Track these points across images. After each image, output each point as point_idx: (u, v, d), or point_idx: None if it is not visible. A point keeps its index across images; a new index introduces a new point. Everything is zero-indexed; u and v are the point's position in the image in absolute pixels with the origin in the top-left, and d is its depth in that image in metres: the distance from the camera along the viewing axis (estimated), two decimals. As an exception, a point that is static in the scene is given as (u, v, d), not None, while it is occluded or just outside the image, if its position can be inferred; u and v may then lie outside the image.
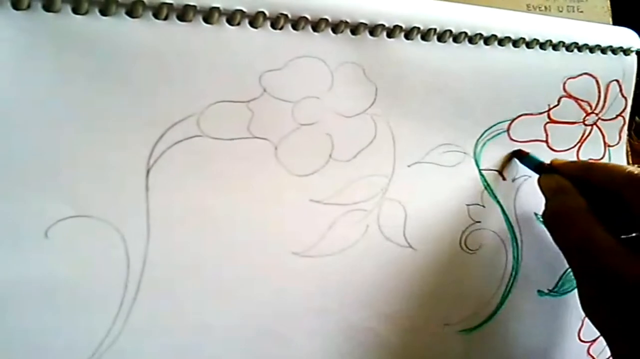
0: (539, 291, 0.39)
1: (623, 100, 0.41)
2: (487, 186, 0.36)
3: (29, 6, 0.23)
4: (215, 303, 0.29)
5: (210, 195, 0.28)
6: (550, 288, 0.39)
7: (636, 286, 0.28)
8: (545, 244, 0.36)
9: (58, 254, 0.25)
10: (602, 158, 0.42)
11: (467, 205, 0.36)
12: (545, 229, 0.35)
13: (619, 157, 0.43)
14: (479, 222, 0.36)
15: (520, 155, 0.37)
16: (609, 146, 0.42)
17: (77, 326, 0.26)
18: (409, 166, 0.33)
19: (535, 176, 0.37)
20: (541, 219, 0.38)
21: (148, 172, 0.27)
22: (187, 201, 0.28)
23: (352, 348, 0.32)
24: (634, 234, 0.32)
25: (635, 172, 0.31)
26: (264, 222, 0.30)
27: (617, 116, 0.42)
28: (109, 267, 0.26)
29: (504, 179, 0.37)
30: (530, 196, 0.38)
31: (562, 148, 0.39)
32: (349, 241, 0.32)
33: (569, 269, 0.39)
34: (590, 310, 0.31)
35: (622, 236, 0.31)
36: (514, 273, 0.38)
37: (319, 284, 0.31)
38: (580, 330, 0.41)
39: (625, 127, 0.42)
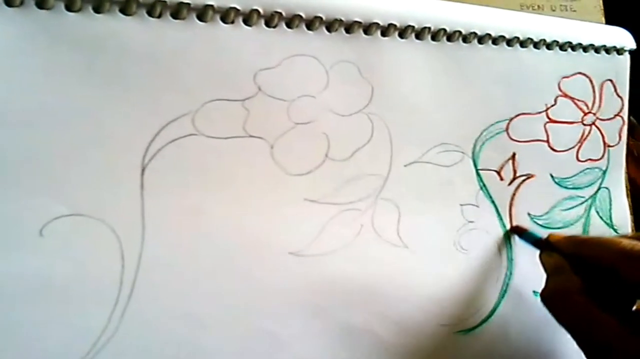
0: (534, 291, 0.38)
1: (619, 100, 0.41)
2: (483, 186, 0.36)
3: (21, 3, 0.23)
4: (210, 302, 0.29)
5: (205, 194, 0.28)
6: (545, 288, 0.39)
7: None
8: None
9: (53, 253, 0.25)
10: (601, 158, 0.41)
11: (461, 205, 0.36)
12: (539, 229, 0.35)
13: (618, 157, 0.43)
14: (472, 222, 0.36)
15: (519, 231, 0.38)
16: (609, 146, 0.42)
17: (73, 324, 0.26)
18: (405, 166, 0.33)
19: (535, 178, 0.38)
20: (535, 220, 0.38)
21: (143, 170, 0.27)
22: (182, 199, 0.28)
23: (347, 348, 0.32)
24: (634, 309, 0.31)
25: (629, 247, 0.30)
26: (259, 221, 0.30)
27: (615, 115, 0.41)
28: (104, 265, 0.26)
29: (501, 179, 0.37)
30: (526, 197, 0.38)
31: (562, 148, 0.39)
32: (343, 240, 0.32)
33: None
34: None
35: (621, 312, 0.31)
36: (508, 273, 0.38)
37: (314, 283, 0.31)
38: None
39: (625, 127, 0.42)
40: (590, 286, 0.31)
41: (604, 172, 0.42)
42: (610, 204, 0.43)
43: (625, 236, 0.33)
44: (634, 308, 0.31)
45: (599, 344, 0.29)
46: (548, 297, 0.33)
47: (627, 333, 0.28)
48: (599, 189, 0.42)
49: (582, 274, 0.32)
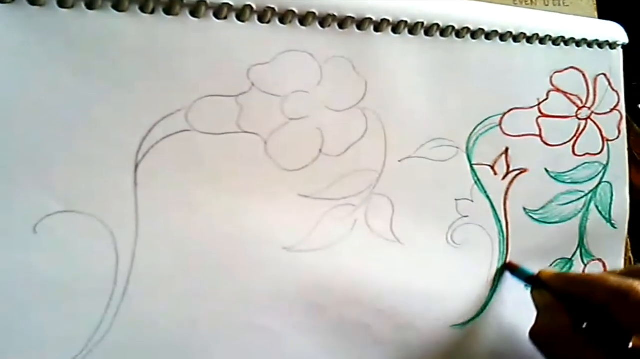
0: (525, 285, 0.38)
1: (615, 94, 0.41)
2: (478, 181, 0.36)
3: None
4: (204, 298, 0.29)
5: (199, 190, 0.28)
6: (537, 281, 0.39)
7: None
8: (531, 238, 0.36)
9: (47, 250, 0.25)
10: (601, 152, 0.41)
11: (456, 200, 0.36)
12: (534, 223, 0.35)
13: (619, 151, 0.43)
14: (467, 216, 0.36)
15: (511, 267, 0.38)
16: (608, 140, 0.42)
17: (67, 321, 0.26)
18: (399, 161, 0.33)
19: (529, 172, 0.38)
20: (531, 215, 0.38)
21: (137, 167, 0.27)
22: (176, 195, 0.28)
23: (343, 343, 0.32)
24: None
25: (616, 285, 0.30)
26: (253, 217, 0.30)
27: (612, 109, 0.41)
28: (98, 262, 0.26)
29: (495, 173, 0.37)
30: (521, 191, 0.38)
31: (556, 143, 0.39)
32: (337, 235, 0.32)
33: (554, 263, 0.40)
34: None
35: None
36: (500, 267, 0.38)
37: (308, 279, 0.31)
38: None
39: (624, 121, 0.42)
40: (580, 323, 0.31)
41: (605, 166, 0.42)
42: (611, 199, 0.43)
43: (613, 272, 0.33)
44: (630, 345, 0.31)
45: None
46: (537, 335, 0.33)
47: None
48: (599, 183, 0.42)
49: (573, 311, 0.32)
